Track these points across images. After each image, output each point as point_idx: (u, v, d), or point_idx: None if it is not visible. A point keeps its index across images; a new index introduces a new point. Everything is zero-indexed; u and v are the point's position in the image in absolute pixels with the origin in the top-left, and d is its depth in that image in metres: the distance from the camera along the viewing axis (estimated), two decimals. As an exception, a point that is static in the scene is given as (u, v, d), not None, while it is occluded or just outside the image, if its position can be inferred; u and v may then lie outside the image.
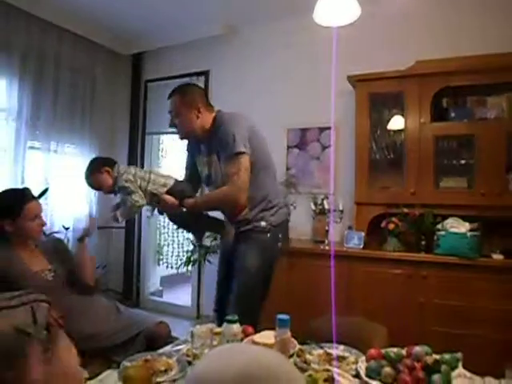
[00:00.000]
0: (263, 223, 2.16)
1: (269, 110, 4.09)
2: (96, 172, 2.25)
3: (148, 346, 2.00)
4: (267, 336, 1.58)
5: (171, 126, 2.30)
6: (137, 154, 4.90)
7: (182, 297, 4.92)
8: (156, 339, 2.04)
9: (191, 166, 2.41)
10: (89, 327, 2.06)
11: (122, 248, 4.90)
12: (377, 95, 3.40)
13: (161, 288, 5.23)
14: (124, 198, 2.21)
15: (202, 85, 4.47)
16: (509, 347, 2.63)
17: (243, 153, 2.04)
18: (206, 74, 4.49)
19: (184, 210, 2.19)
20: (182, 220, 2.32)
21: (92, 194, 4.44)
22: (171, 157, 4.88)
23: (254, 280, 2.13)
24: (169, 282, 5.52)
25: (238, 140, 2.03)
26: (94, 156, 4.42)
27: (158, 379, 1.37)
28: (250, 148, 2.08)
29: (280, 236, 2.24)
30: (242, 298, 2.11)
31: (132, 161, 4.82)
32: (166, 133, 4.74)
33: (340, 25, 2.16)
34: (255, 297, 2.15)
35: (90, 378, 1.53)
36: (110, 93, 4.74)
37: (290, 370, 0.48)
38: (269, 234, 2.16)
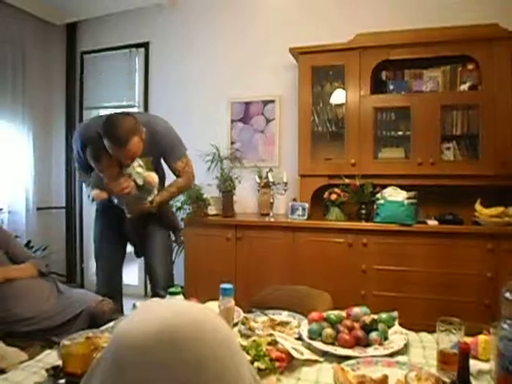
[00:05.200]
0: None
1: (212, 84, 4.03)
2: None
3: (91, 325, 1.95)
4: (211, 306, 1.58)
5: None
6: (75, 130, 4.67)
7: (129, 276, 4.82)
8: (99, 317, 1.98)
9: None
10: (27, 310, 1.98)
11: (63, 229, 4.72)
12: (319, 68, 3.43)
13: (106, 268, 5.09)
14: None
15: (141, 57, 4.32)
16: (442, 306, 2.82)
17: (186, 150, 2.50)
18: (145, 45, 4.31)
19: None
20: None
21: (28, 172, 4.21)
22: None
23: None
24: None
25: (182, 143, 2.47)
26: (27, 131, 4.19)
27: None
28: None
29: None
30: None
31: (70, 138, 4.60)
32: (105, 107, 4.54)
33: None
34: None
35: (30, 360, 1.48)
36: (43, 65, 4.46)
37: (216, 321, 0.47)
38: None
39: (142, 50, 4.32)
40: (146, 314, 0.46)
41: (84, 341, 1.42)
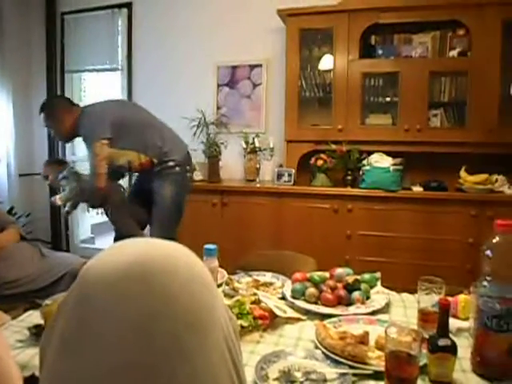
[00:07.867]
0: (171, 163, 2.44)
1: (198, 47, 3.92)
2: None
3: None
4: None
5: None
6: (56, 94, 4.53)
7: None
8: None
9: None
10: (11, 273, 2.00)
11: (47, 195, 4.64)
12: (308, 31, 3.35)
13: (92, 235, 5.07)
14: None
15: (124, 18, 4.16)
16: (425, 271, 2.84)
17: (98, 140, 2.31)
18: (128, 6, 4.15)
19: None
20: None
21: (9, 138, 4.11)
22: (93, 95, 4.55)
23: (171, 207, 2.50)
24: (100, 228, 5.34)
25: (93, 130, 2.34)
26: (7, 96, 4.07)
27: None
28: (118, 125, 2.35)
29: (188, 168, 2.57)
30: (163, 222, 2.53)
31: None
32: (87, 70, 4.42)
33: None
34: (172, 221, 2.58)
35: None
36: (22, 28, 4.30)
37: (189, 257, 0.45)
38: (177, 168, 2.47)
39: (124, 10, 4.16)
40: (117, 250, 0.44)
41: (66, 300, 1.41)
